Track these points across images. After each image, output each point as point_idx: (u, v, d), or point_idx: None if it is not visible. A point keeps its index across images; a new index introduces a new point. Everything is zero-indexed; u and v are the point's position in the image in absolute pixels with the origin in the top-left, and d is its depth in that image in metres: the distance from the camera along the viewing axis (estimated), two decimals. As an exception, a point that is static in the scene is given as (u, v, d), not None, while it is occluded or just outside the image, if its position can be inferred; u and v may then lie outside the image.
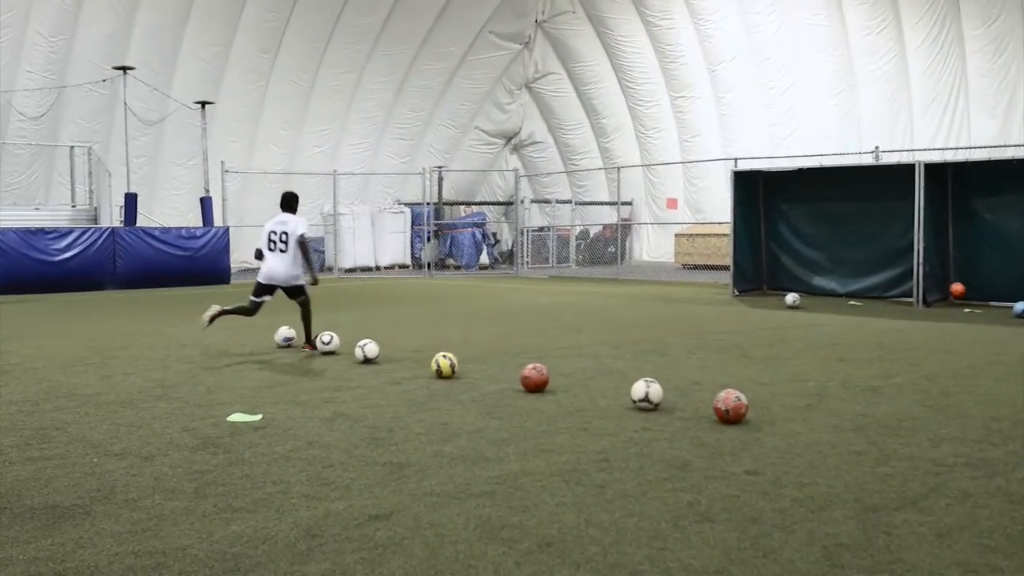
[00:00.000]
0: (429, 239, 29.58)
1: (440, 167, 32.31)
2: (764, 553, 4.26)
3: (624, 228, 33.47)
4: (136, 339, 12.38)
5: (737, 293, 18.46)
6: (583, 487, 5.33)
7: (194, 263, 22.40)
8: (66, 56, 25.15)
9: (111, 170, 25.06)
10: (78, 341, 12.20)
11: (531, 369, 8.38)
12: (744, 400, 7.02)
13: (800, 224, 18.61)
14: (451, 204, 32.96)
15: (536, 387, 8.27)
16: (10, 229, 20.21)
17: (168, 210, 28.10)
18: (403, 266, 30.70)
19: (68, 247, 20.69)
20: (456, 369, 9.10)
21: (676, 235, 29.73)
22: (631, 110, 33.09)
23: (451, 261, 30.78)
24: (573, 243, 32.13)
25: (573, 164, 34.67)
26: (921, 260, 15.99)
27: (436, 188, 31.92)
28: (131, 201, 22.25)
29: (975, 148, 21.13)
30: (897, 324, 13.71)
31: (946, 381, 8.76)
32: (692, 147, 31.50)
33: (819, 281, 18.24)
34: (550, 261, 31.31)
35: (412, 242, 31.05)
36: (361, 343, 10.18)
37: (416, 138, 33.68)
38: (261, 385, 8.73)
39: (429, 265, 28.70)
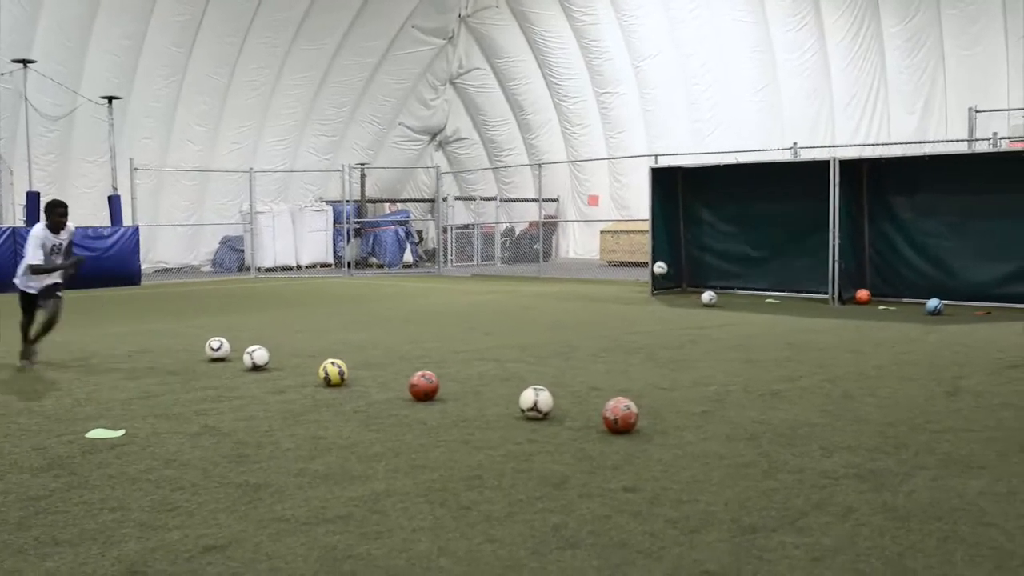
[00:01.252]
0: (349, 238, 28.99)
1: (363, 164, 31.74)
2: (623, 585, 3.93)
3: (550, 225, 33.29)
4: (11, 347, 11.71)
5: (655, 291, 18.23)
6: (447, 508, 4.96)
7: (102, 264, 21.56)
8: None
9: (17, 167, 24.11)
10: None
11: (419, 377, 7.99)
12: (634, 409, 6.70)
13: (719, 221, 18.47)
14: (373, 201, 32.40)
15: (424, 395, 7.89)
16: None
17: (80, 209, 26.97)
18: (325, 265, 30.12)
19: (-39, 249, 19.77)
20: (346, 376, 8.68)
21: (601, 232, 29.52)
22: (556, 106, 32.81)
23: (373, 260, 30.24)
24: (498, 241, 31.78)
25: (499, 160, 34.31)
26: (836, 257, 15.90)
27: (358, 186, 31.35)
28: (33, 200, 21.35)
29: (893, 144, 21.23)
30: (810, 323, 13.57)
31: (849, 383, 8.55)
32: (618, 143, 31.31)
33: (738, 278, 18.08)
34: (475, 259, 30.93)
35: (335, 241, 30.47)
36: (249, 349, 9.70)
37: (339, 135, 32.99)
38: (135, 396, 8.22)
39: (349, 264, 28.12)
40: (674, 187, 18.77)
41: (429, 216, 34.29)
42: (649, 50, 30.04)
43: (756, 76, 28.12)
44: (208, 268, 30.21)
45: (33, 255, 9.64)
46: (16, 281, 9.89)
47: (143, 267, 27.94)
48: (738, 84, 28.47)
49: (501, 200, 32.94)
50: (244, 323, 14.04)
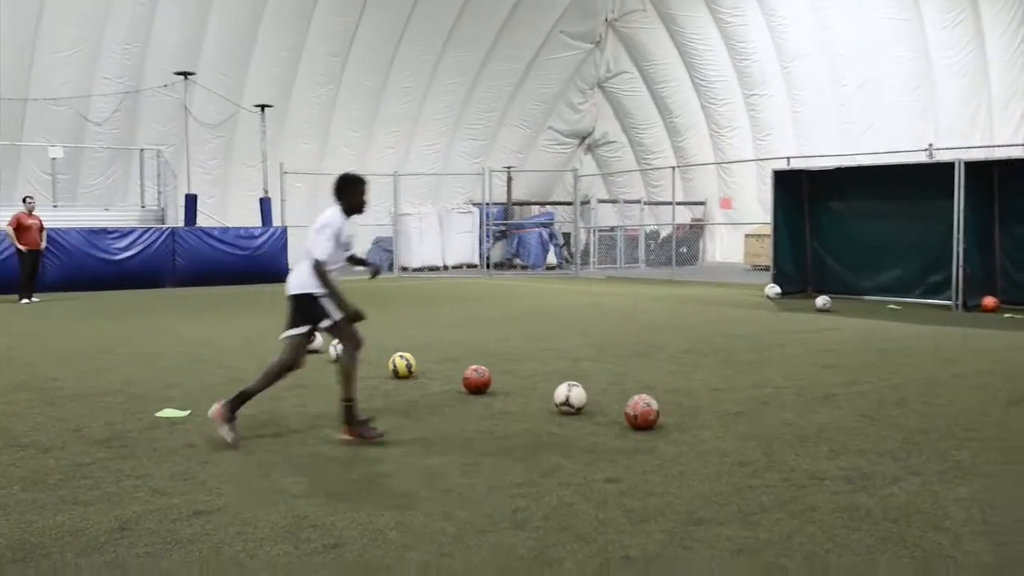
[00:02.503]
0: (490, 240, 29.65)
1: (509, 167, 32.38)
2: (549, 560, 4.17)
3: (696, 228, 33.07)
4: (149, 336, 12.76)
5: (777, 296, 17.97)
6: (432, 488, 5.29)
7: (252, 262, 22.96)
8: (140, 63, 26.06)
9: (190, 173, 25.94)
10: (92, 337, 12.64)
11: (471, 370, 8.36)
12: (654, 406, 6.86)
13: (845, 225, 18.03)
14: (520, 204, 32.98)
15: (476, 388, 8.25)
16: (73, 229, 21.05)
17: (242, 211, 28.79)
18: (471, 266, 30.87)
19: (129, 246, 21.48)
20: (413, 369, 9.14)
21: (746, 235, 29.13)
22: (704, 108, 32.56)
23: (518, 261, 30.81)
24: (642, 243, 31.77)
25: (647, 163, 34.29)
26: (961, 263, 15.31)
27: (504, 188, 32.02)
28: (191, 202, 22.97)
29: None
30: (919, 330, 13.16)
31: (911, 390, 8.38)
32: (765, 146, 30.78)
33: (863, 283, 17.63)
34: (617, 262, 31.05)
35: (482, 242, 31.22)
36: (334, 343, 10.29)
37: (488, 138, 33.82)
38: (223, 382, 8.89)
39: (488, 265, 28.79)
40: (799, 190, 18.44)
41: (578, 218, 34.62)
42: (797, 51, 29.44)
43: (909, 76, 27.14)
44: (360, 268, 31.43)
45: (324, 249, 6.50)
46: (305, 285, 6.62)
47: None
48: (889, 84, 27.55)
49: (644, 203, 32.90)
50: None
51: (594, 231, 31.13)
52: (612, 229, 31.91)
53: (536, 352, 10.95)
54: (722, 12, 30.50)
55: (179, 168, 25.71)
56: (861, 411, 7.45)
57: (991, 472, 5.64)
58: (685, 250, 32.46)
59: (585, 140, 35.76)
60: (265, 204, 24.15)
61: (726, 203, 30.52)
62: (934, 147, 18.32)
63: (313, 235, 6.53)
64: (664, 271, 26.58)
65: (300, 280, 6.57)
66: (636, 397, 6.99)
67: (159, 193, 24.54)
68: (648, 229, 32.15)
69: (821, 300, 15.82)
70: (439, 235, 30.53)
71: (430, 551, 4.32)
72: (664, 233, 32.36)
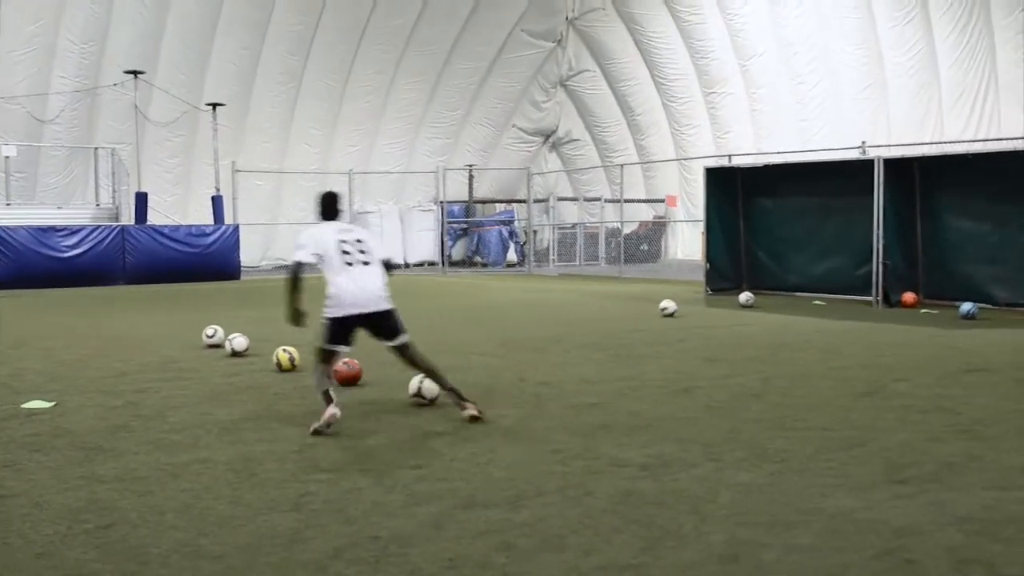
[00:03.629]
0: (450, 238, 29.84)
1: (471, 166, 32.56)
2: (301, 539, 4.36)
3: (659, 226, 33.28)
4: (66, 331, 12.92)
5: (710, 292, 18.19)
6: (235, 474, 5.47)
7: (203, 259, 23.13)
8: (97, 62, 26.16)
9: (140, 171, 26.08)
10: (12, 331, 12.79)
11: (342, 364, 8.51)
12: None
13: (776, 222, 18.23)
14: (480, 202, 33.12)
15: (346, 381, 8.42)
16: (22, 227, 21.20)
17: (201, 209, 28.91)
18: (433, 264, 31.03)
19: (78, 244, 21.62)
20: (297, 363, 9.31)
21: (702, 233, 29.26)
22: (665, 107, 32.74)
23: (478, 259, 31.00)
24: (602, 241, 31.95)
25: (609, 161, 34.45)
26: (881, 258, 15.51)
27: (464, 187, 32.21)
28: (142, 200, 23.10)
29: (957, 143, 20.34)
30: (829, 324, 13.37)
31: (778, 383, 8.55)
32: (725, 143, 30.88)
33: (794, 279, 17.84)
34: (577, 259, 31.23)
35: (443, 240, 31.37)
36: (231, 336, 10.51)
37: (452, 137, 33.95)
38: (108, 375, 9.06)
39: (447, 263, 29.00)
40: (733, 187, 18.64)
41: (542, 216, 34.80)
42: (755, 49, 29.65)
43: (862, 74, 27.37)
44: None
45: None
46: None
47: (262, 263, 29.76)
48: (844, 82, 27.79)
49: (605, 200, 33.09)
50: (276, 315, 14.88)
51: (554, 229, 31.29)
52: (573, 226, 32.09)
53: (432, 346, 11.00)
54: (681, 11, 30.68)
55: (136, 166, 25.82)
56: (710, 403, 7.63)
57: (788, 459, 5.82)
58: (646, 247, 32.68)
59: (549, 138, 35.93)
60: (217, 202, 24.31)
61: (671, 201, 30.69)
62: (867, 144, 18.46)
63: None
64: (619, 268, 26.77)
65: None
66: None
67: (113, 191, 24.67)
68: (609, 227, 32.30)
69: (744, 296, 16.03)
70: (400, 233, 30.69)
71: (191, 532, 4.50)
72: (625, 231, 32.54)
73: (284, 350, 9.37)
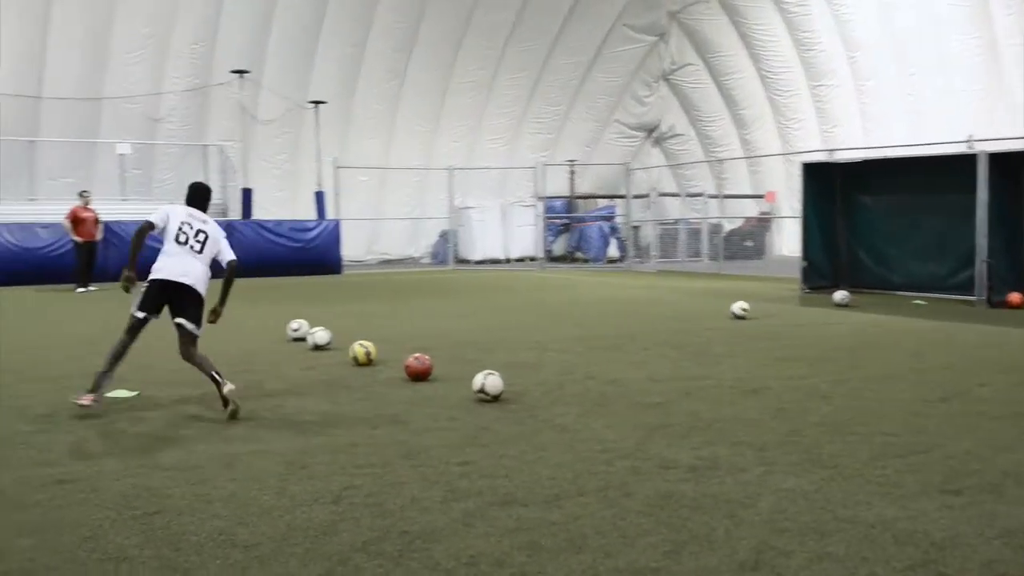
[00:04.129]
0: (551, 233, 29.87)
1: (572, 161, 32.54)
2: (334, 531, 4.47)
3: (764, 222, 32.69)
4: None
5: (807, 290, 17.79)
6: (283, 464, 5.63)
7: (306, 254, 23.72)
8: (208, 61, 27.06)
9: (252, 167, 26.93)
10: (110, 323, 13.33)
11: (413, 359, 8.67)
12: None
13: (877, 218, 17.71)
14: (581, 197, 33.08)
15: (416, 375, 8.55)
16: (134, 221, 22.04)
17: (308, 205, 29.65)
18: (534, 259, 31.13)
19: (186, 238, 22.35)
20: (373, 357, 9.49)
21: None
22: (770, 100, 32.19)
23: (579, 254, 30.98)
24: (705, 236, 31.51)
25: (713, 155, 34.00)
26: (984, 257, 14.93)
27: (566, 183, 32.22)
28: (247, 195, 23.80)
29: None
30: (923, 325, 12.95)
31: (852, 385, 8.35)
32: (832, 137, 30.28)
33: (894, 278, 17.32)
34: (678, 255, 30.89)
35: (545, 236, 31.42)
36: (313, 330, 10.77)
37: (555, 132, 34.03)
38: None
39: (546, 258, 29.07)
40: (831, 183, 18.19)
41: (644, 212, 34.54)
42: (863, 40, 28.89)
43: (976, 64, 26.40)
44: (427, 260, 32.10)
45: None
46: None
47: (367, 257, 30.37)
48: (957, 73, 26.84)
49: (708, 196, 32.63)
50: (374, 310, 15.24)
51: (656, 225, 31.02)
52: (675, 222, 31.75)
53: (512, 342, 11.21)
54: (786, 2, 30.12)
55: (242, 163, 26.65)
56: (777, 405, 7.50)
57: (841, 464, 5.68)
58: (751, 243, 32.12)
59: (652, 133, 35.65)
60: (319, 198, 24.88)
61: (770, 196, 30.03)
62: (976, 138, 17.84)
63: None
64: (710, 265, 26.42)
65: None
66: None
67: (222, 188, 25.48)
68: (712, 222, 31.85)
69: (839, 295, 15.63)
70: (501, 228, 30.89)
71: (231, 521, 4.66)
72: (728, 227, 32.08)
73: (361, 344, 9.56)
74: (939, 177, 16.31)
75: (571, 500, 4.99)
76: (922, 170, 16.74)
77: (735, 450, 6.04)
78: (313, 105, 25.63)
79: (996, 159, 15.10)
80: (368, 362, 9.45)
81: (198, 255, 7.50)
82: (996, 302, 15.00)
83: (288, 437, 6.47)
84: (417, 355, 8.72)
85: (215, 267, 7.65)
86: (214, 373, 7.22)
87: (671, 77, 34.50)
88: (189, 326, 7.44)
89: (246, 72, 24.92)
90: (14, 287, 19.43)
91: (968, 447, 6.13)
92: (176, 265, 7.42)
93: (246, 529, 4.56)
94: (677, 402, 7.60)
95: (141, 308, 7.48)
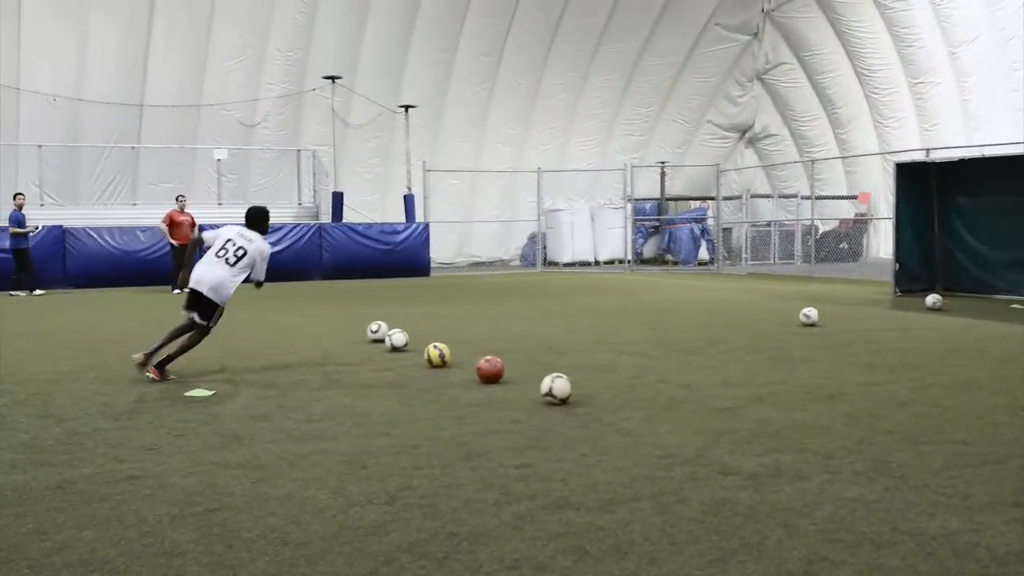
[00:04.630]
0: (640, 235, 29.68)
1: (663, 163, 32.29)
2: (384, 532, 4.53)
3: (860, 223, 31.93)
4: (246, 323, 13.77)
5: (899, 293, 17.33)
6: (342, 464, 5.72)
7: (395, 256, 24.05)
8: (303, 68, 27.64)
9: (344, 171, 27.43)
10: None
11: (484, 361, 8.71)
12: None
13: (975, 219, 17.14)
14: (672, 199, 32.79)
15: (488, 378, 8.59)
16: (228, 224, 22.65)
17: (398, 208, 30.03)
18: (622, 261, 31.00)
19: (278, 241, 22.92)
20: (447, 358, 9.57)
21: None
22: (868, 99, 31.38)
23: (669, 257, 30.72)
24: (798, 238, 30.94)
25: (808, 156, 33.32)
26: (1088, 260, 14.34)
27: (657, 184, 31.97)
28: (338, 199, 24.24)
29: None
30: (1017, 330, 12.48)
31: (932, 392, 8.10)
32: (933, 136, 29.36)
33: (993, 281, 16.74)
34: (771, 258, 30.38)
35: (634, 238, 31.26)
36: (390, 332, 10.91)
37: (646, 134, 33.82)
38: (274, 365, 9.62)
39: (636, 261, 28.89)
40: (927, 183, 17.66)
41: (738, 213, 34.07)
42: (966, 35, 27.95)
43: (1085, 57, 25.33)
44: (516, 262, 32.22)
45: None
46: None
47: (457, 260, 30.64)
48: (1065, 67, 25.79)
49: (801, 197, 32.01)
50: (456, 312, 15.36)
51: (748, 227, 30.56)
52: (768, 224, 31.23)
53: (588, 345, 11.19)
54: (885, -1, 29.35)
55: (337, 167, 27.14)
56: (851, 411, 7.32)
57: (909, 474, 5.52)
58: (846, 246, 31.40)
59: (745, 134, 35.13)
60: (408, 201, 25.20)
61: (864, 197, 29.28)
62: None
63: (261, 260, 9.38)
64: (805, 267, 25.90)
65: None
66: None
67: (314, 191, 26.01)
68: (805, 224, 31.25)
69: (931, 299, 15.17)
70: (591, 230, 30.83)
71: (285, 519, 4.75)
72: (822, 228, 31.42)
73: (435, 347, 9.63)
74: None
75: (624, 505, 4.96)
76: (1022, 169, 16.12)
77: (800, 457, 5.91)
78: (403, 109, 25.93)
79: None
80: (442, 364, 9.52)
81: (229, 266, 9.01)
82: (1100, 307, 14.37)
83: (353, 437, 6.57)
84: (488, 358, 8.76)
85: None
86: (159, 349, 8.91)
87: (765, 76, 33.94)
88: (199, 321, 9.06)
89: (338, 78, 25.39)
90: (115, 288, 20.15)
91: (1048, 458, 5.90)
92: (202, 273, 8.99)
93: (299, 528, 4.64)
94: (747, 408, 7.48)
95: (185, 307, 9.09)
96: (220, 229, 9.43)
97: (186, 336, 9.05)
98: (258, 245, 9.24)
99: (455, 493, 5.19)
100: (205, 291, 8.91)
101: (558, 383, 7.62)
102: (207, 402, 7.88)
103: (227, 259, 9.00)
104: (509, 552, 4.27)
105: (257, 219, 9.49)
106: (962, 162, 17.15)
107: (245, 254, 9.08)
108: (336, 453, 6.10)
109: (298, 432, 6.74)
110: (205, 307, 8.97)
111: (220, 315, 9.14)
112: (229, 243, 9.10)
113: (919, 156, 19.38)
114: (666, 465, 5.76)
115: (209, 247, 9.19)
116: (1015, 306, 15.44)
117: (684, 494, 5.15)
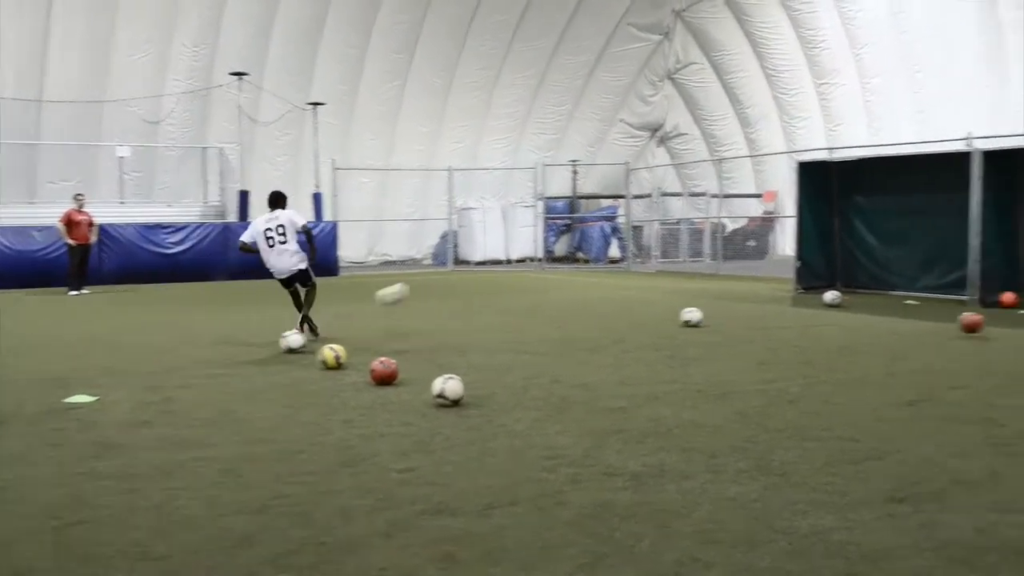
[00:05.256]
0: (552, 234, 29.78)
1: (575, 161, 32.42)
2: (249, 540, 4.37)
3: (767, 222, 32.47)
4: (152, 327, 13.40)
5: (801, 290, 17.64)
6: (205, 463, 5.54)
7: (303, 256, 23.60)
8: (210, 64, 27.03)
9: (254, 168, 26.93)
10: (101, 325, 13.33)
11: (377, 363, 8.57)
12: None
13: (873, 218, 17.52)
14: (583, 198, 32.93)
15: (382, 379, 8.45)
16: (131, 224, 22.10)
17: (309, 206, 29.61)
18: (534, 259, 31.01)
19: (182, 241, 22.42)
20: (342, 360, 9.40)
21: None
22: (775, 99, 31.94)
23: (580, 255, 30.85)
24: (707, 237, 31.33)
25: (719, 154, 33.80)
26: (976, 256, 14.74)
27: (570, 182, 32.10)
28: (243, 198, 23.78)
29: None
30: (911, 326, 12.78)
31: (823, 388, 8.22)
32: (837, 135, 30.02)
33: (890, 278, 17.14)
34: (681, 255, 30.72)
35: (546, 236, 31.29)
36: (286, 333, 10.69)
37: (559, 132, 33.89)
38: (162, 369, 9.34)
39: (546, 259, 28.97)
40: (827, 182, 18.01)
41: (649, 212, 34.37)
42: (869, 37, 28.66)
43: (983, 61, 26.12)
44: (428, 261, 32.01)
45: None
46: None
47: (369, 259, 30.33)
48: (963, 70, 26.56)
49: (710, 196, 32.45)
50: (360, 312, 15.13)
51: (658, 225, 30.86)
52: (678, 222, 31.58)
53: (491, 344, 11.12)
54: (791, 0, 29.86)
55: (245, 165, 26.62)
56: (742, 409, 7.35)
57: (790, 472, 5.55)
58: (754, 243, 31.92)
59: (656, 132, 35.47)
60: (316, 199, 24.84)
61: (769, 196, 29.83)
62: (974, 135, 17.56)
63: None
64: (712, 265, 26.25)
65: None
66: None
67: (221, 190, 25.49)
68: (714, 222, 31.67)
69: (829, 295, 15.45)
70: (503, 229, 30.79)
71: (150, 532, 4.57)
72: (731, 226, 31.89)
73: (331, 348, 9.47)
74: (935, 176, 16.12)
75: (502, 510, 4.88)
76: (918, 169, 16.54)
77: (685, 456, 5.91)
78: (312, 107, 25.56)
79: (992, 157, 14.90)
80: (337, 366, 9.36)
81: (284, 245, 11.27)
82: (989, 302, 14.79)
83: (234, 444, 6.38)
84: (382, 359, 8.62)
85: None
86: (302, 319, 11.46)
87: (676, 76, 34.29)
88: (302, 289, 11.69)
89: (246, 74, 24.89)
90: (8, 291, 19.44)
91: (926, 453, 6.00)
92: (275, 263, 11.40)
93: (163, 540, 4.47)
94: (640, 407, 7.48)
95: (286, 287, 11.73)
96: (251, 227, 11.70)
97: (304, 298, 11.62)
98: (286, 214, 11.45)
99: (331, 500, 5.06)
100: (289, 274, 11.43)
101: (450, 384, 7.53)
102: (88, 408, 7.60)
103: (279, 241, 11.24)
104: (376, 562, 4.16)
105: (275, 199, 11.65)
106: (861, 162, 17.53)
107: (282, 226, 11.27)
108: (214, 460, 5.91)
109: (178, 439, 6.53)
110: (299, 278, 11.51)
111: (310, 272, 11.64)
112: (268, 230, 11.24)
113: (823, 155, 19.70)
114: (551, 467, 5.70)
115: (258, 246, 11.31)
116: (909, 302, 15.81)
117: (564, 497, 5.10)
